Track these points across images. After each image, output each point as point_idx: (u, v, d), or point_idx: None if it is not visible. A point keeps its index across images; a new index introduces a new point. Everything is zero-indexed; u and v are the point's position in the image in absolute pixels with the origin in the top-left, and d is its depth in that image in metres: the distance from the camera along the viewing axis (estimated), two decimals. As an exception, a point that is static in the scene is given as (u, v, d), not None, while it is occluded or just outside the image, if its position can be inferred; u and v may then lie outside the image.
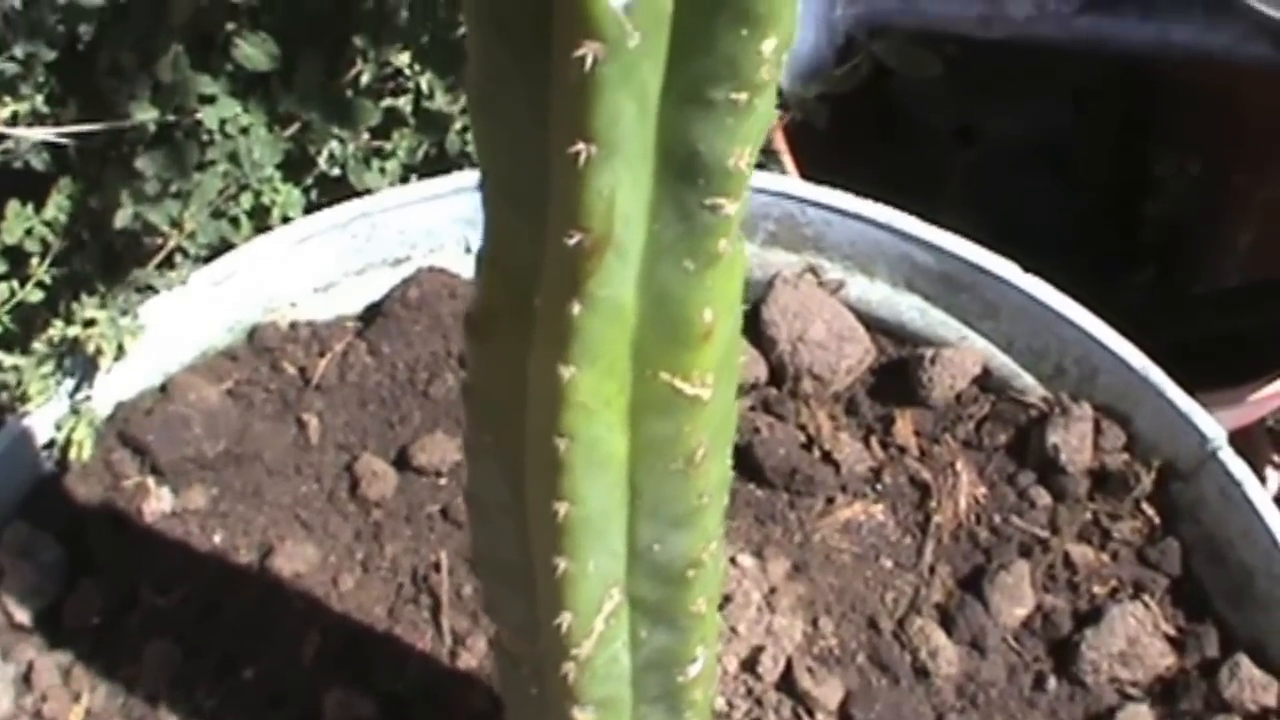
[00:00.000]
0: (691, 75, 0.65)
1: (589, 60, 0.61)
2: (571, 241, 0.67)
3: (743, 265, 0.75)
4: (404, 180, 1.54)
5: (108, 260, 1.46)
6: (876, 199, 1.39)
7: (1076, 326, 1.33)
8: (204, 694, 1.27)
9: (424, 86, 1.54)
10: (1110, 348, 1.32)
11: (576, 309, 0.70)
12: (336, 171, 1.51)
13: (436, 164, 1.56)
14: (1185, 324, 1.65)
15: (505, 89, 0.68)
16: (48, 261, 1.48)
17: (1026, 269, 1.35)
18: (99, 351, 1.30)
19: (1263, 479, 1.77)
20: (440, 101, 1.53)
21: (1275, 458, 1.74)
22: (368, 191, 1.50)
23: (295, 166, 1.48)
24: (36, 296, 1.50)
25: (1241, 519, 1.27)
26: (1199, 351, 1.68)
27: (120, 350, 1.30)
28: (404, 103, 1.56)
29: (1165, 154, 1.82)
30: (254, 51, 1.46)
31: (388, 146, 1.52)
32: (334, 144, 1.47)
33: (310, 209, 1.51)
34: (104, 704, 1.26)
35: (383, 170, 1.51)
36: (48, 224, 1.47)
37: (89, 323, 1.29)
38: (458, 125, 1.53)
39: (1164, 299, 1.74)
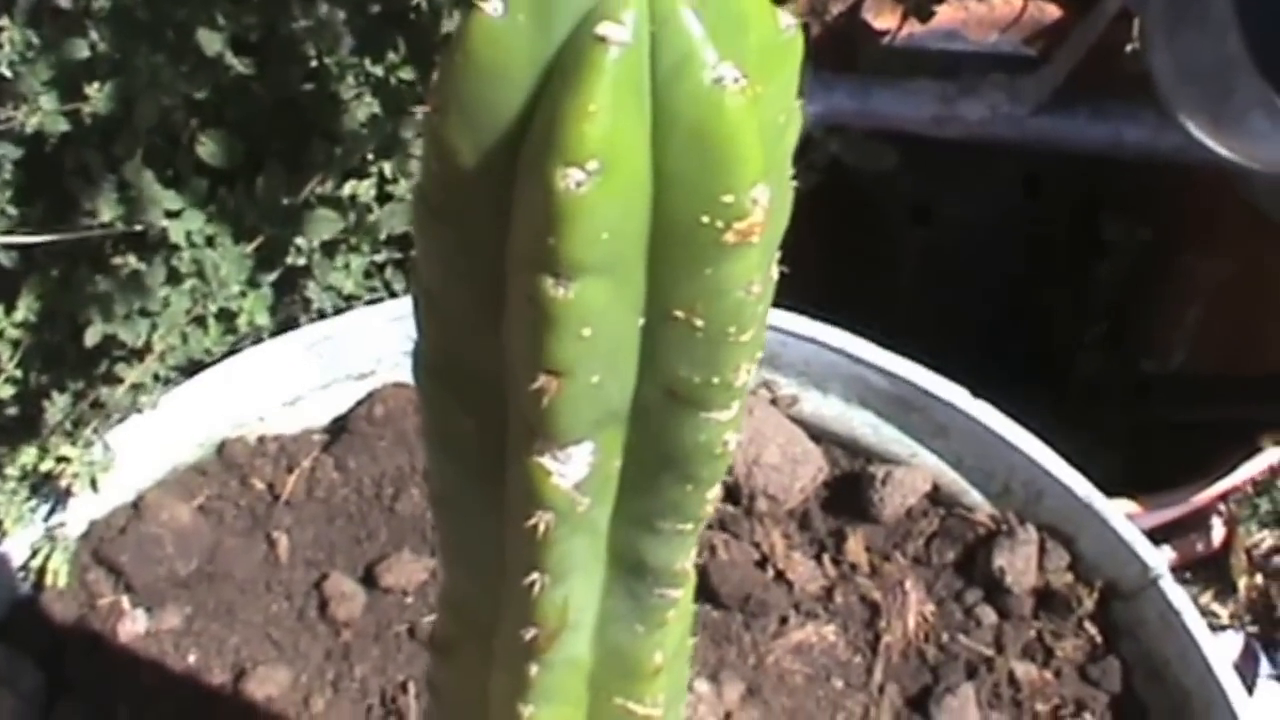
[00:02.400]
0: (639, 512, 0.69)
1: (541, 527, 0.64)
2: (528, 636, 0.71)
3: (690, 615, 0.79)
4: (367, 275, 1.57)
5: (79, 362, 1.49)
6: (835, 292, 1.42)
7: (1023, 453, 1.37)
8: (182, 819, 1.32)
9: (388, 172, 1.56)
10: (1055, 475, 1.37)
11: (534, 670, 0.74)
12: (302, 261, 1.53)
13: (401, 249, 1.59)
14: (1132, 409, 1.69)
15: (461, 502, 0.72)
16: (16, 359, 1.51)
17: (974, 392, 1.39)
18: (72, 485, 1.34)
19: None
20: (404, 188, 1.55)
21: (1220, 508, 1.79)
22: (330, 289, 1.53)
23: (259, 266, 1.50)
24: (8, 391, 1.53)
25: (1179, 643, 1.32)
26: (1144, 438, 1.74)
27: (93, 484, 1.34)
28: (366, 188, 1.57)
29: (1116, 219, 1.86)
30: (218, 149, 1.49)
31: (352, 240, 1.54)
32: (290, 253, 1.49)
33: (275, 306, 1.53)
34: (84, 828, 1.31)
35: (347, 266, 1.53)
36: (18, 326, 1.49)
37: (61, 459, 1.33)
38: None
39: (1113, 375, 1.78)
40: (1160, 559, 1.34)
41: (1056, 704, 1.36)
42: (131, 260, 1.44)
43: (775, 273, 0.62)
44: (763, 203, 0.55)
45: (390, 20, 1.52)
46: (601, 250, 0.55)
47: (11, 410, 1.49)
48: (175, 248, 1.44)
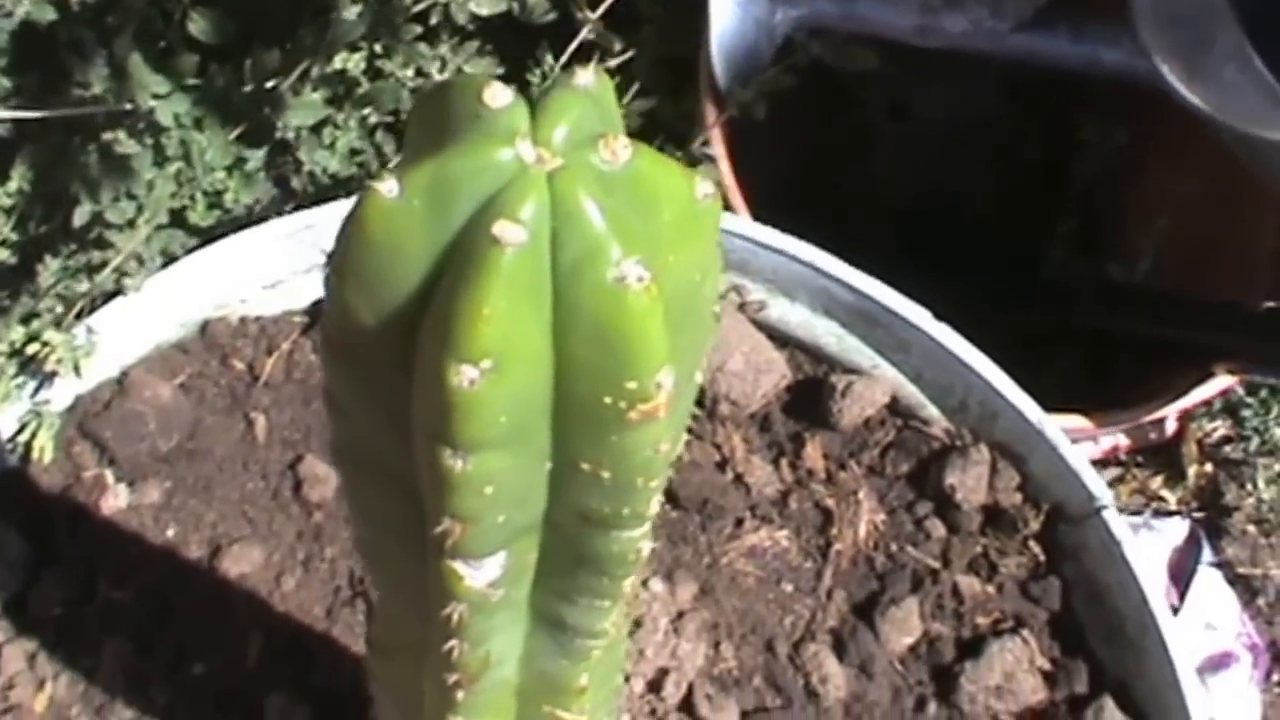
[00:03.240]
0: (558, 589, 0.73)
1: (455, 616, 0.68)
2: (451, 679, 0.76)
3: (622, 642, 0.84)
4: (353, 155, 1.59)
5: (67, 241, 1.52)
6: (813, 183, 1.44)
7: (980, 376, 1.41)
8: (157, 690, 1.38)
9: (379, 48, 1.57)
10: (1009, 399, 1.40)
11: (460, 695, 0.79)
12: (290, 135, 1.55)
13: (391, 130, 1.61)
14: (1094, 313, 1.72)
15: (386, 559, 0.75)
16: (11, 224, 1.54)
17: (937, 314, 1.42)
18: (56, 367, 1.38)
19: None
20: (395, 64, 1.57)
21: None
22: (317, 165, 1.56)
23: (245, 146, 1.53)
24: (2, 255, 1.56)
25: (1119, 571, 1.37)
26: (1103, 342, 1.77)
27: (76, 369, 1.38)
28: (356, 61, 1.58)
29: (1093, 121, 1.87)
30: (208, 25, 1.50)
31: (339, 118, 1.56)
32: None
33: (259, 185, 1.56)
34: (66, 692, 1.37)
35: (333, 145, 1.56)
36: (11, 195, 1.52)
37: (45, 343, 1.37)
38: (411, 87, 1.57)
39: (1079, 273, 1.80)
40: (1105, 490, 1.38)
41: (996, 618, 1.41)
42: (121, 137, 1.46)
43: (685, 434, 0.64)
44: (667, 386, 0.58)
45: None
46: (500, 430, 0.58)
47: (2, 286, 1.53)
48: (162, 129, 1.47)
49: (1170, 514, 1.96)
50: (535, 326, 0.56)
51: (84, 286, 1.41)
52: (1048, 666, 1.40)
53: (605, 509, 0.65)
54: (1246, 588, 1.95)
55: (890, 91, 1.90)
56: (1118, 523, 1.37)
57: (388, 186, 0.55)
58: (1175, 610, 1.89)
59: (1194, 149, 1.56)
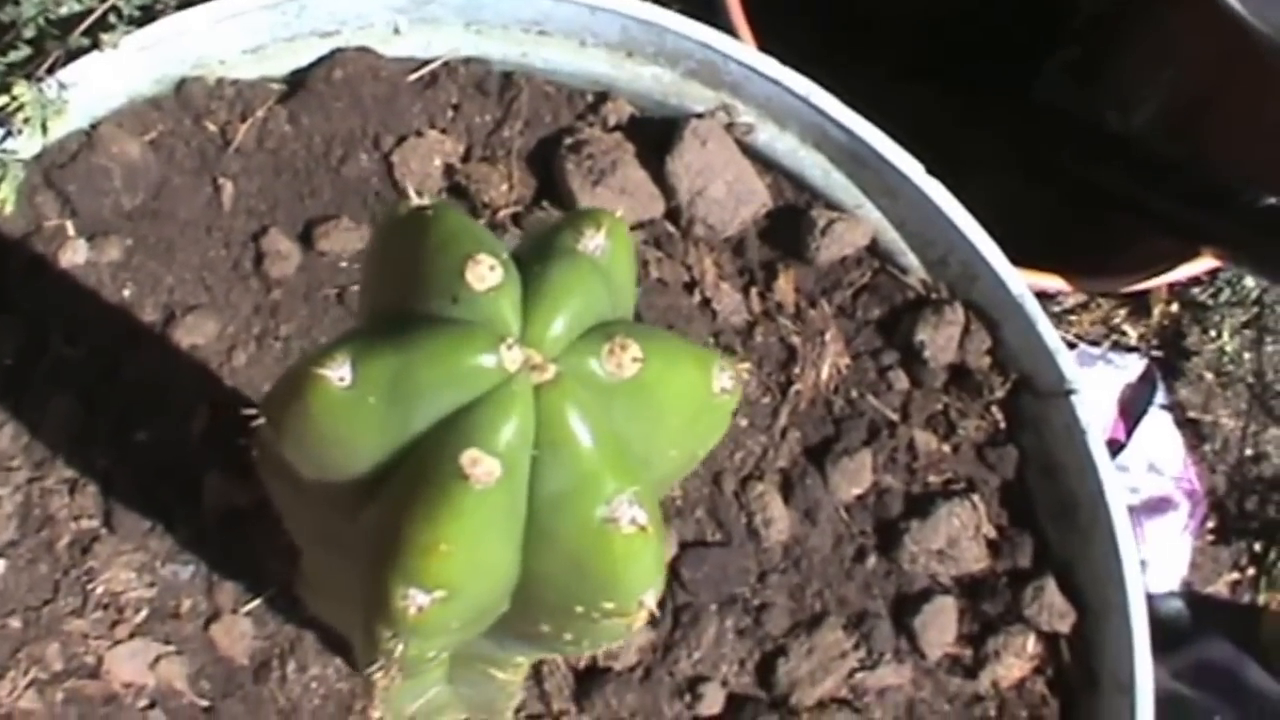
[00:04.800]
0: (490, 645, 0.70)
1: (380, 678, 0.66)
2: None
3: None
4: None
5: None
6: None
7: (965, 237, 1.38)
8: (98, 452, 1.37)
9: None
10: (993, 265, 1.38)
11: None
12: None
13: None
14: (1083, 162, 1.67)
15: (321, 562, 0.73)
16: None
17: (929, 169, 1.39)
18: (23, 126, 1.34)
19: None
20: None
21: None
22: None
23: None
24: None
25: (1077, 456, 1.36)
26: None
27: (44, 128, 1.34)
28: None
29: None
30: None
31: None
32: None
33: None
34: (9, 444, 1.36)
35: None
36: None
37: (15, 98, 1.32)
38: None
39: (1074, 107, 1.75)
40: (1077, 374, 1.36)
41: (949, 478, 1.41)
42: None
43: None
44: (650, 602, 0.53)
45: None
46: (451, 632, 0.54)
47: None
48: None
49: (1130, 350, 1.95)
50: (501, 553, 0.51)
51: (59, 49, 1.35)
52: (993, 534, 1.40)
53: (566, 635, 0.63)
54: (1195, 433, 1.95)
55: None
56: (1085, 410, 1.35)
57: (339, 374, 0.48)
58: (1121, 447, 1.89)
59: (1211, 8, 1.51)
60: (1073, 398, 1.35)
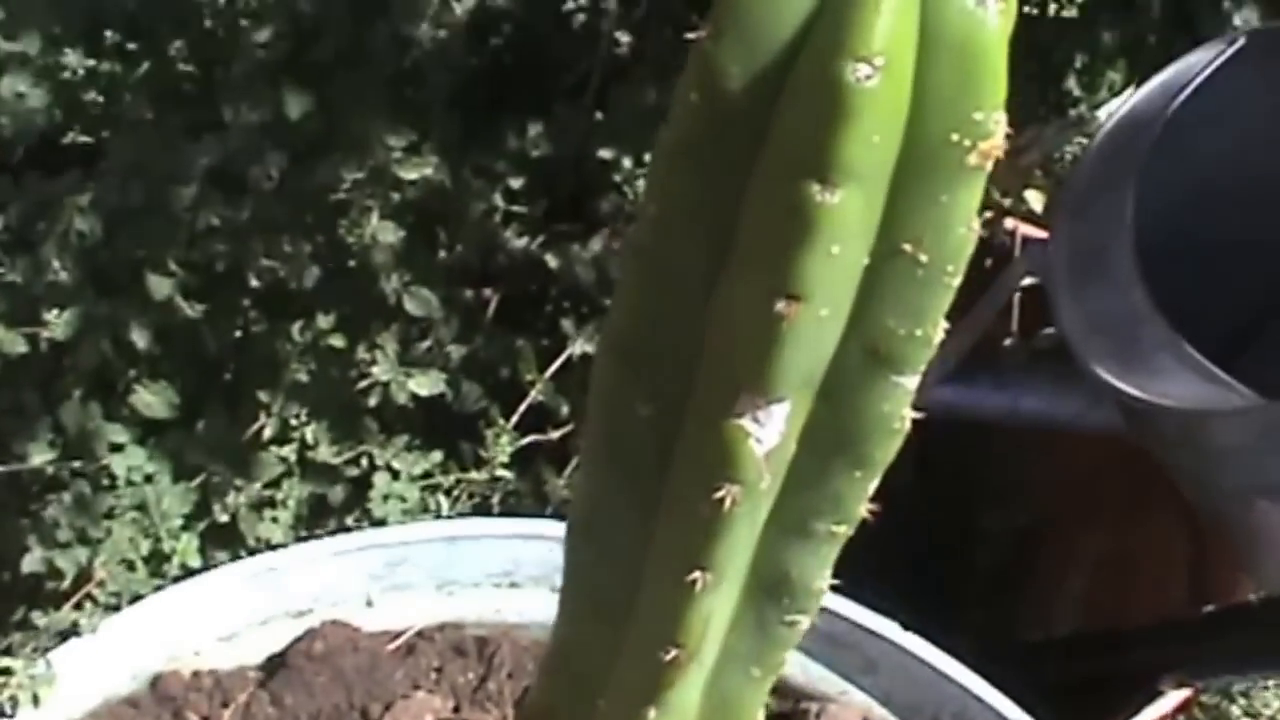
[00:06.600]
0: (798, 508, 0.73)
1: (728, 501, 0.68)
2: (666, 656, 0.74)
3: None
4: (292, 528, 1.59)
5: (15, 592, 1.48)
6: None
7: (954, 681, 1.42)
8: None
9: (310, 438, 1.60)
10: (988, 702, 1.41)
11: (652, 713, 0.77)
12: (226, 519, 1.55)
13: (320, 514, 1.62)
14: (1022, 670, 1.75)
15: (610, 514, 0.75)
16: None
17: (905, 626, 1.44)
18: (14, 701, 1.32)
19: None
20: (326, 453, 1.59)
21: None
22: (259, 540, 1.55)
23: (192, 514, 1.52)
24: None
25: None
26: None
27: (35, 700, 1.32)
28: (289, 452, 1.61)
29: (994, 507, 1.95)
30: (154, 399, 1.51)
31: (279, 495, 1.57)
32: (231, 494, 1.52)
33: (202, 554, 1.54)
34: None
35: (275, 519, 1.55)
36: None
37: (4, 671, 1.31)
38: (347, 475, 1.59)
39: (1000, 647, 1.84)
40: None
41: None
42: (68, 496, 1.45)
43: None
44: (1001, 128, 0.61)
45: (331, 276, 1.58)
46: (869, 156, 0.60)
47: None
48: (113, 485, 1.46)
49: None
50: (911, 41, 0.59)
51: (44, 620, 1.36)
52: None
53: (900, 329, 0.66)
54: None
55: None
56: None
57: None
58: None
59: (1099, 505, 1.64)
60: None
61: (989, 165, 0.63)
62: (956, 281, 0.67)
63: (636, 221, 0.69)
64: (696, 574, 0.71)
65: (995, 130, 0.62)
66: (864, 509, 0.75)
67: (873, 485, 0.74)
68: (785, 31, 0.60)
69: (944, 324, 0.69)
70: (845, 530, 0.75)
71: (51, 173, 1.52)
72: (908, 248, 0.65)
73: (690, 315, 0.67)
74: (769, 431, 0.67)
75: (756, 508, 0.71)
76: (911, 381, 0.71)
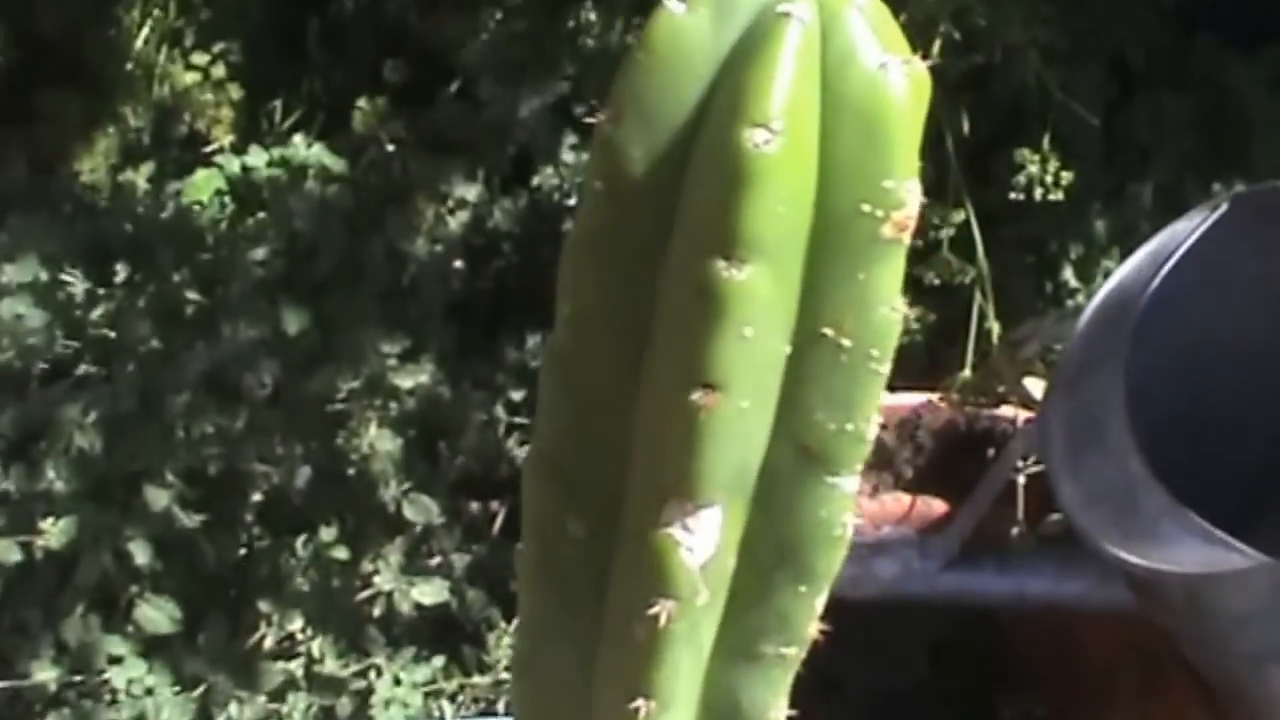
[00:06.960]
0: (743, 629, 0.72)
1: (663, 618, 0.67)
2: None
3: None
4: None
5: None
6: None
7: None
8: None
9: (315, 651, 1.59)
10: None
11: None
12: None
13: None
14: None
15: (551, 646, 0.74)
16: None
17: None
18: None
19: None
20: (332, 666, 1.58)
21: None
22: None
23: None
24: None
25: None
26: None
27: None
28: (296, 666, 1.60)
29: (1013, 698, 1.91)
30: (156, 614, 1.51)
31: (283, 709, 1.55)
32: (233, 706, 1.50)
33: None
34: None
35: (282, 732, 1.54)
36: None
37: None
38: (352, 688, 1.58)
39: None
40: None
41: None
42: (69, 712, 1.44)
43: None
44: (914, 198, 0.61)
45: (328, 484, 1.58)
46: (776, 227, 0.60)
47: None
48: (113, 699, 1.45)
49: None
50: (813, 106, 0.60)
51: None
52: None
53: (830, 424, 0.65)
54: None
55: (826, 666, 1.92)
56: None
57: (675, 5, 0.60)
58: None
59: (1115, 690, 1.61)
60: None
61: (905, 239, 0.63)
62: (885, 369, 0.67)
63: (555, 326, 0.69)
64: (639, 702, 0.69)
65: (908, 200, 0.62)
66: (814, 628, 0.74)
67: (820, 601, 0.73)
68: (685, 107, 0.61)
69: (875, 422, 0.69)
70: (795, 652, 0.74)
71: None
72: (829, 332, 0.64)
73: (615, 421, 0.67)
74: (701, 540, 0.67)
75: (696, 627, 0.70)
76: (849, 484, 0.70)
